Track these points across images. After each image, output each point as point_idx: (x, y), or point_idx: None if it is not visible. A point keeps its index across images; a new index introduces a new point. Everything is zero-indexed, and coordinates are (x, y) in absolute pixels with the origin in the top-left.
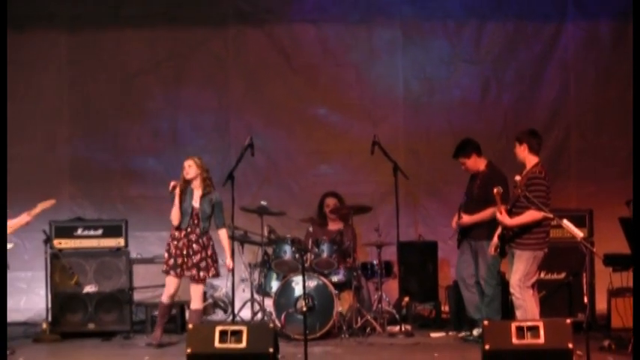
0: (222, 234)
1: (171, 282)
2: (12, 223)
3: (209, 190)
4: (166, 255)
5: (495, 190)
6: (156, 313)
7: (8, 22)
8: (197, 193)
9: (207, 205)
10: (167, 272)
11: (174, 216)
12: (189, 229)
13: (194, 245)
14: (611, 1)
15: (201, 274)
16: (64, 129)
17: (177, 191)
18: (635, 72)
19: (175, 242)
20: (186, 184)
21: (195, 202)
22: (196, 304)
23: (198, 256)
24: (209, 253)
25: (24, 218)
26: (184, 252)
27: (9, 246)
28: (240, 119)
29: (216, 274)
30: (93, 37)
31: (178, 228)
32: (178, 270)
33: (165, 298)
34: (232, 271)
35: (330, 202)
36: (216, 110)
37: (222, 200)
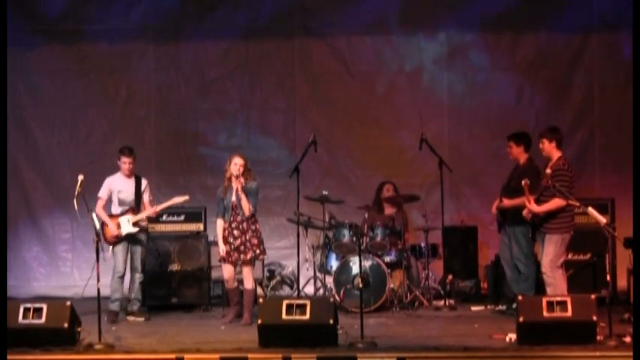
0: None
1: (224, 268)
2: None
3: (246, 181)
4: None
5: (523, 183)
6: None
7: (103, 34)
8: (234, 186)
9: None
10: (219, 260)
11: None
12: (231, 219)
13: (234, 232)
14: (630, 14)
15: (242, 256)
16: (151, 127)
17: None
18: (635, 72)
19: (223, 233)
20: (229, 182)
21: (233, 196)
22: (247, 284)
23: (238, 241)
24: (248, 237)
25: (153, 209)
26: (229, 240)
27: (183, 198)
28: (305, 119)
29: (256, 257)
30: (176, 48)
31: (225, 221)
32: (225, 256)
33: (226, 284)
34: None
35: (389, 188)
36: (284, 111)
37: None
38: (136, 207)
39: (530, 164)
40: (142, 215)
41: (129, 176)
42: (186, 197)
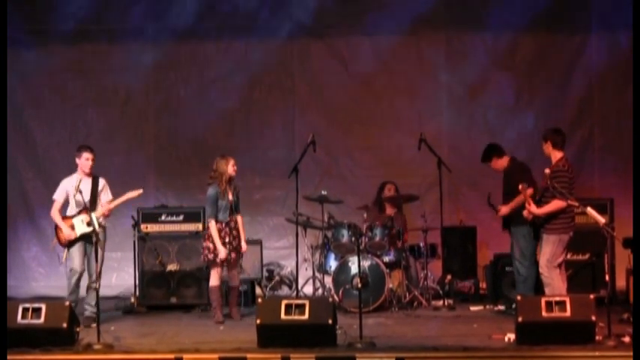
0: (240, 220)
1: (217, 269)
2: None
3: (234, 183)
4: (211, 246)
5: (520, 187)
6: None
7: (102, 34)
8: (230, 187)
9: (236, 196)
10: (213, 260)
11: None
12: (228, 219)
13: (233, 232)
14: (630, 14)
15: (238, 255)
16: (149, 127)
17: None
18: (635, 72)
19: (219, 234)
20: (226, 184)
21: (230, 196)
22: (236, 281)
23: (236, 241)
24: (238, 236)
25: (109, 205)
26: (226, 240)
27: (137, 192)
28: (304, 119)
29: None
30: (175, 47)
31: (220, 221)
32: (225, 258)
33: (214, 282)
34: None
35: (391, 188)
36: (283, 111)
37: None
38: (91, 207)
39: (513, 164)
40: (97, 213)
41: (88, 174)
42: (140, 191)
